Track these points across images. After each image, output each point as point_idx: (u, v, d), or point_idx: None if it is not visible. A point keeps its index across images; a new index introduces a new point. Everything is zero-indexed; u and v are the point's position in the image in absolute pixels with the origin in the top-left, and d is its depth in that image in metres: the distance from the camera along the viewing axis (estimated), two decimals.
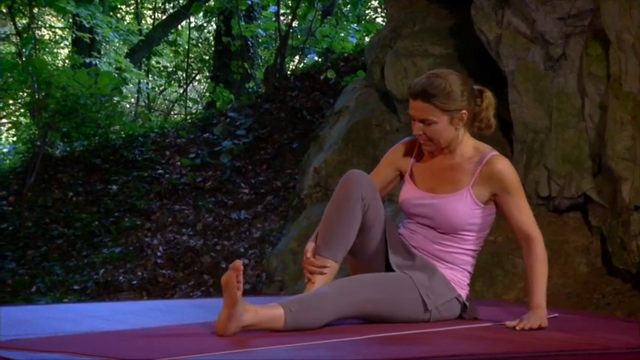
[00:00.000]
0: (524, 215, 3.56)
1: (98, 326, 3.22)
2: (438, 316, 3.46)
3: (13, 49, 17.25)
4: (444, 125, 3.46)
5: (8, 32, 17.48)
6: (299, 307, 3.14)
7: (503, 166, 3.50)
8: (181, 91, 21.20)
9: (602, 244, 6.93)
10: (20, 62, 13.31)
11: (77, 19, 16.21)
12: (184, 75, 20.79)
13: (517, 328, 3.29)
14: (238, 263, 3.01)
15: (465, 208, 3.48)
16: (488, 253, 6.96)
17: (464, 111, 3.48)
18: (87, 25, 15.94)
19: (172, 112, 20.86)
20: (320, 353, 2.71)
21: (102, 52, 18.22)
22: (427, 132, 3.46)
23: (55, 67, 13.69)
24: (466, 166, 3.52)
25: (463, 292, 3.56)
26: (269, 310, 3.08)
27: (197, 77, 21.70)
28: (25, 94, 13.56)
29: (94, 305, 4.61)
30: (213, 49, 19.60)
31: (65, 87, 12.04)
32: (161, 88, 22.15)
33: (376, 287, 3.33)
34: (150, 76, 21.31)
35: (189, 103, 20.31)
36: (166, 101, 21.98)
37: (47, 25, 20.15)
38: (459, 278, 3.55)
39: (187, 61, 20.35)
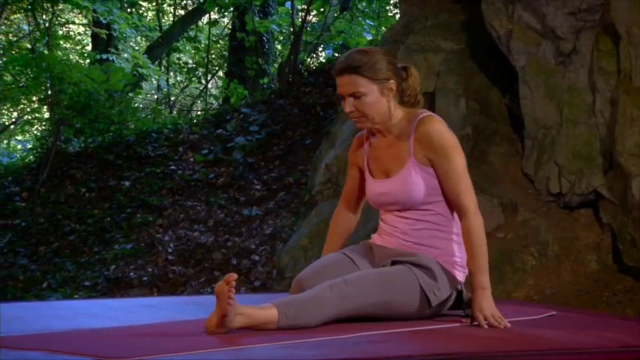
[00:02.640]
0: (454, 183, 3.36)
1: (88, 324, 3.19)
2: (438, 310, 3.41)
3: (28, 45, 17.28)
4: (376, 97, 3.38)
5: (30, 29, 17.52)
6: (295, 314, 3.08)
7: (432, 127, 3.37)
8: (202, 87, 21.19)
9: (613, 241, 6.85)
10: (34, 58, 13.31)
11: (94, 15, 16.25)
12: (205, 71, 20.78)
13: (473, 324, 3.23)
14: (232, 277, 2.94)
15: (417, 178, 3.39)
16: (497, 250, 6.91)
17: (392, 80, 3.40)
18: (104, 21, 15.96)
19: (194, 109, 20.83)
20: (307, 352, 2.66)
21: (119, 48, 18.24)
22: (359, 106, 3.39)
23: (68, 63, 13.65)
24: (403, 138, 3.43)
25: (461, 273, 3.48)
26: (262, 313, 3.02)
27: (218, 73, 21.67)
28: (40, 90, 13.56)
29: (87, 302, 4.58)
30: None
31: (78, 83, 12.03)
32: (182, 85, 22.15)
33: (379, 289, 3.26)
34: (170, 72, 21.32)
35: (211, 99, 20.29)
36: (189, 98, 21.96)
37: (66, 22, 20.18)
38: (453, 255, 3.45)
39: (208, 57, 20.33)
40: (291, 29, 16.00)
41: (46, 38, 14.58)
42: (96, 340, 2.74)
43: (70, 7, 17.68)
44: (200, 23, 20.13)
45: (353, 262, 3.46)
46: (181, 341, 2.76)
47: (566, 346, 2.79)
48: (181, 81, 22.31)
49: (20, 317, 3.34)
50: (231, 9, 17.06)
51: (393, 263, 3.41)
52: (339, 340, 2.84)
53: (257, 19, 16.00)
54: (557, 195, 7.25)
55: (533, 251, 6.96)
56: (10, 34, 19.14)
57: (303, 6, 16.26)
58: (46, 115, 16.17)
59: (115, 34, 17.25)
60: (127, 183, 12.05)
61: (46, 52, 14.03)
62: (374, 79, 3.37)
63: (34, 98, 15.48)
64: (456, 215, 3.48)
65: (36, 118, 18.88)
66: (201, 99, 20.84)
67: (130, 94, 14.93)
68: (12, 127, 21.06)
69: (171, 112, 18.95)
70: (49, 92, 12.58)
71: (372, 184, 3.54)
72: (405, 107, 3.49)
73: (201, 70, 21.15)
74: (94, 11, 15.53)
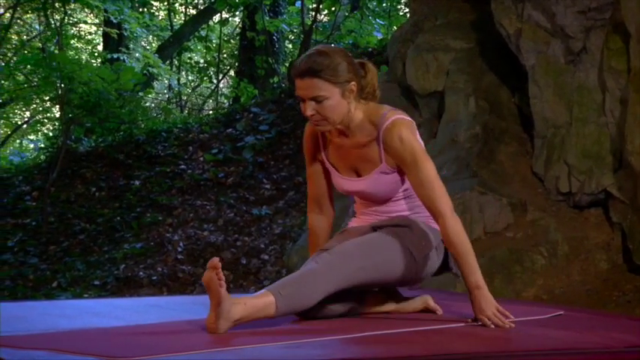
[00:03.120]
0: (428, 190, 3.30)
1: (94, 323, 3.18)
2: (425, 266, 3.39)
3: (39, 45, 17.33)
4: (337, 100, 3.31)
5: (41, 28, 17.57)
6: (289, 290, 3.07)
7: (397, 139, 3.31)
8: (213, 86, 21.19)
9: (623, 240, 6.83)
10: (44, 57, 13.34)
11: (105, 14, 16.28)
12: (216, 70, 20.78)
13: (478, 324, 3.22)
14: (215, 260, 2.93)
15: (391, 179, 3.40)
16: (506, 249, 6.90)
17: (353, 82, 3.34)
18: (114, 21, 15.99)
19: (205, 108, 20.84)
20: (309, 351, 2.65)
21: (130, 48, 18.27)
22: (320, 110, 3.31)
23: (78, 63, 13.67)
24: (370, 143, 3.39)
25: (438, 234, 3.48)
26: (259, 299, 3.02)
27: (230, 72, 21.68)
28: (50, 89, 13.59)
29: (94, 301, 4.58)
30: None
31: (88, 82, 12.05)
32: (194, 84, 22.16)
33: (363, 253, 3.25)
34: (181, 72, 21.32)
35: (222, 99, 20.29)
36: (201, 97, 21.97)
37: (78, 22, 20.23)
38: (429, 217, 3.46)
39: (219, 57, 20.33)
40: (301, 28, 16.00)
41: (57, 38, 14.59)
42: (100, 340, 2.73)
43: (81, 6, 17.73)
44: (211, 22, 20.13)
45: None
46: (185, 341, 2.75)
47: (572, 346, 2.77)
48: (193, 80, 22.32)
49: (26, 316, 3.34)
50: (242, 8, 17.06)
51: (374, 230, 3.43)
52: (344, 339, 2.83)
53: (267, 18, 16.00)
54: (567, 194, 7.23)
55: (542, 251, 6.94)
56: (23, 34, 19.20)
57: (314, 5, 16.25)
58: (57, 114, 16.21)
59: (125, 34, 17.27)
60: (137, 182, 12.05)
61: (56, 51, 14.05)
62: (335, 83, 3.29)
63: (46, 98, 15.53)
64: None
65: (47, 117, 18.93)
66: (213, 98, 20.83)
67: (140, 94, 14.94)
68: (24, 126, 21.13)
69: (182, 112, 18.96)
70: (60, 92, 12.59)
71: (341, 181, 3.51)
72: (363, 103, 3.43)
73: (212, 69, 21.15)
74: (105, 11, 15.57)
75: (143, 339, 2.75)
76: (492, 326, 3.15)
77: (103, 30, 18.08)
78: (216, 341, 2.76)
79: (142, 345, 2.64)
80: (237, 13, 18.91)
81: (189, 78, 22.38)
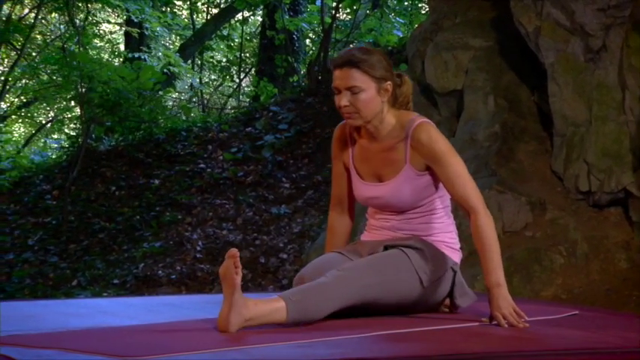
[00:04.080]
0: (459, 185, 3.35)
1: (106, 322, 3.17)
2: (431, 291, 3.38)
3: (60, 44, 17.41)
4: (372, 95, 3.36)
5: (64, 28, 17.64)
6: (300, 297, 3.07)
7: (427, 136, 3.36)
8: (235, 86, 21.20)
9: None
10: (64, 56, 13.39)
11: (126, 13, 16.33)
12: (238, 69, 20.78)
13: (492, 323, 3.20)
14: (234, 250, 2.94)
15: (413, 184, 3.41)
16: (525, 248, 6.85)
17: (389, 82, 3.40)
18: (135, 20, 16.04)
19: (227, 107, 20.85)
20: (321, 350, 2.63)
21: (151, 47, 18.31)
22: (355, 102, 3.36)
23: (98, 62, 13.73)
24: (397, 145, 3.42)
25: (455, 254, 3.48)
26: (270, 303, 3.02)
27: (252, 71, 21.68)
28: (71, 88, 13.64)
29: (107, 300, 4.57)
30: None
31: (108, 81, 12.09)
32: (216, 84, 22.18)
33: (373, 271, 3.26)
34: (203, 71, 21.34)
35: (244, 98, 20.29)
36: (223, 96, 21.98)
37: (101, 21, 20.30)
38: (445, 238, 3.47)
39: (241, 56, 20.34)
40: (321, 27, 15.99)
41: (77, 37, 14.64)
42: (109, 339, 2.72)
43: (103, 6, 17.79)
44: (233, 21, 20.15)
45: (351, 260, 3.46)
46: (196, 340, 2.74)
47: (585, 346, 2.74)
48: (215, 80, 22.33)
49: (39, 315, 3.34)
50: (262, 7, 17.06)
51: (386, 248, 3.43)
52: (356, 339, 2.81)
53: (287, 17, 15.99)
54: (587, 193, 7.18)
55: (561, 250, 6.90)
56: (47, 34, 19.29)
57: (334, 4, 16.23)
58: (78, 113, 16.28)
59: (146, 33, 17.31)
60: (157, 181, 12.08)
61: (77, 50, 14.10)
62: (372, 77, 3.36)
63: (67, 97, 15.60)
64: (449, 203, 3.52)
65: (69, 117, 19.01)
66: (234, 97, 20.84)
67: (160, 93, 14.97)
68: (48, 126, 21.24)
69: (204, 111, 18.96)
70: (80, 91, 12.64)
71: (362, 187, 3.53)
72: (395, 110, 3.47)
73: (234, 68, 21.16)
74: (127, 10, 15.62)
75: (153, 338, 2.74)
76: (506, 326, 3.13)
77: (125, 29, 18.13)
78: (228, 340, 2.75)
79: (152, 344, 2.63)
80: (258, 11, 18.91)
81: (212, 77, 22.39)
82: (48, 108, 21.38)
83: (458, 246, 3.53)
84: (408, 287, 3.32)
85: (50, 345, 2.57)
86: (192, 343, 2.67)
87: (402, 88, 3.49)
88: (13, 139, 20.16)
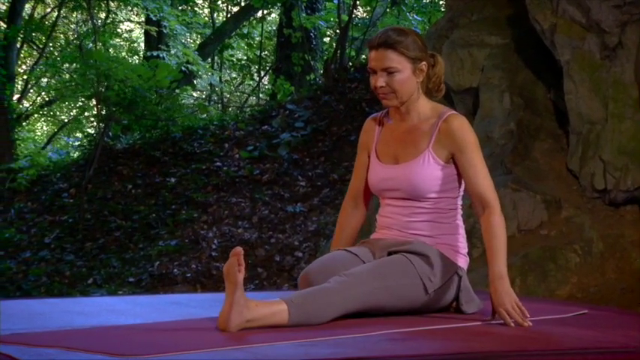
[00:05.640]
0: (480, 178, 3.41)
1: (111, 320, 3.16)
2: (436, 297, 3.36)
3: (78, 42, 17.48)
4: (408, 75, 3.40)
5: (86, 27, 17.73)
6: (302, 300, 3.06)
7: (460, 124, 3.41)
8: (254, 84, 21.20)
9: None
10: (81, 55, 13.44)
11: (145, 12, 16.38)
12: (258, 68, 20.79)
13: (492, 321, 3.18)
14: (238, 249, 2.94)
15: (428, 170, 3.41)
16: (540, 247, 6.81)
17: (424, 62, 3.44)
18: (154, 18, 16.08)
19: (246, 105, 20.85)
20: (324, 350, 2.61)
21: (170, 45, 18.34)
22: (390, 82, 3.40)
23: (115, 59, 13.76)
24: (424, 128, 3.45)
25: (462, 259, 3.45)
26: (271, 306, 3.00)
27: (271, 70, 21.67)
28: (88, 87, 13.68)
29: (114, 298, 4.56)
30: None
31: (124, 79, 12.11)
32: (236, 82, 22.19)
33: (376, 276, 3.25)
34: (223, 69, 21.35)
35: (264, 96, 20.29)
36: (244, 94, 21.98)
37: (122, 20, 20.37)
38: (453, 242, 3.45)
39: (260, 54, 20.33)
40: (338, 25, 15.97)
41: (94, 35, 14.69)
42: (112, 337, 2.71)
43: (119, 5, 17.85)
44: (252, 20, 20.15)
45: (358, 258, 3.44)
46: (199, 338, 2.72)
47: (590, 346, 2.71)
48: (234, 78, 22.34)
49: (45, 313, 3.34)
50: (279, 5, 17.05)
51: (390, 254, 3.40)
52: (359, 338, 2.79)
53: (304, 15, 15.97)
54: (602, 191, 7.13)
55: (577, 248, 6.84)
56: (69, 33, 19.38)
57: (351, 1, 16.20)
58: (90, 113, 16.36)
59: (165, 31, 17.34)
60: (173, 179, 12.10)
61: (94, 48, 14.15)
62: (409, 58, 3.39)
63: (85, 95, 15.65)
64: (459, 205, 3.52)
65: (87, 115, 19.08)
66: (254, 95, 20.83)
67: (177, 91, 15.00)
68: (68, 124, 21.32)
69: (223, 109, 18.97)
70: (96, 89, 12.67)
71: (378, 168, 3.53)
72: (429, 98, 3.51)
73: (254, 67, 21.17)
74: (145, 8, 15.66)
75: (155, 337, 2.73)
76: (511, 322, 3.11)
77: (143, 27, 18.18)
78: (231, 339, 2.73)
79: (153, 343, 2.61)
80: (276, 9, 18.91)
81: (232, 76, 22.40)
82: (70, 106, 21.47)
83: (465, 250, 3.51)
84: (412, 294, 3.30)
85: (51, 344, 2.56)
86: (193, 342, 2.65)
87: (434, 68, 3.53)
88: (35, 137, 20.27)
